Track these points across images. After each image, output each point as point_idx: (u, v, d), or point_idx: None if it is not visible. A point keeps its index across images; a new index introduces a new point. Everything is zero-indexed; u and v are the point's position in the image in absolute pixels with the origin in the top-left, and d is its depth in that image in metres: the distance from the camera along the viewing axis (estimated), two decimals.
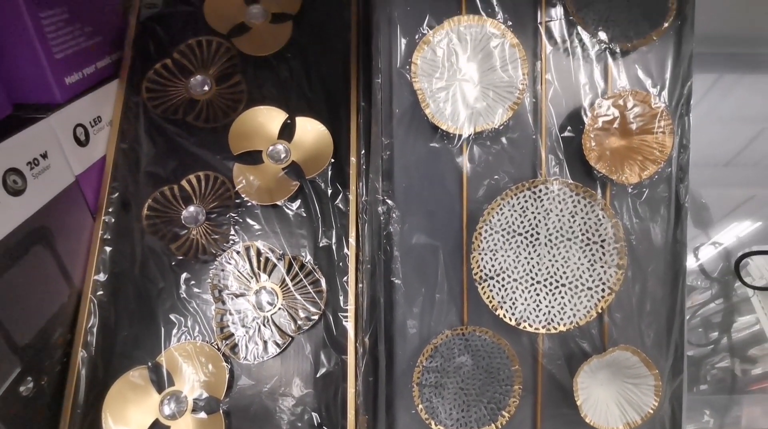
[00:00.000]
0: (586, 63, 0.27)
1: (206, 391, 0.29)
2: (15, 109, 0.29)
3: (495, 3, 0.26)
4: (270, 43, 0.36)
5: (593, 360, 0.28)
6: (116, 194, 0.33)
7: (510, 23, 0.26)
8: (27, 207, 0.27)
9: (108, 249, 0.32)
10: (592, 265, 0.28)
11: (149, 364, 0.30)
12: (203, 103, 0.35)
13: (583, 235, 0.28)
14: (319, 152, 0.34)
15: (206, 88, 0.35)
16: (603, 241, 0.27)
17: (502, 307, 0.28)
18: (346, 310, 0.31)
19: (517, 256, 0.28)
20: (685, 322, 0.29)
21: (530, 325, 0.27)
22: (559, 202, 0.27)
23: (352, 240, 0.32)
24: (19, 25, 0.28)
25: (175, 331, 0.31)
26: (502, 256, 0.28)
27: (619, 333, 0.28)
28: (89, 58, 0.34)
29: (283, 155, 0.34)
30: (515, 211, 0.27)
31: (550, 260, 0.28)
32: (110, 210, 0.33)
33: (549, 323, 0.27)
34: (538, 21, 0.27)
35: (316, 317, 0.31)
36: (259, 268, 0.32)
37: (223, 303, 0.31)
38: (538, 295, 0.28)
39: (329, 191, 0.33)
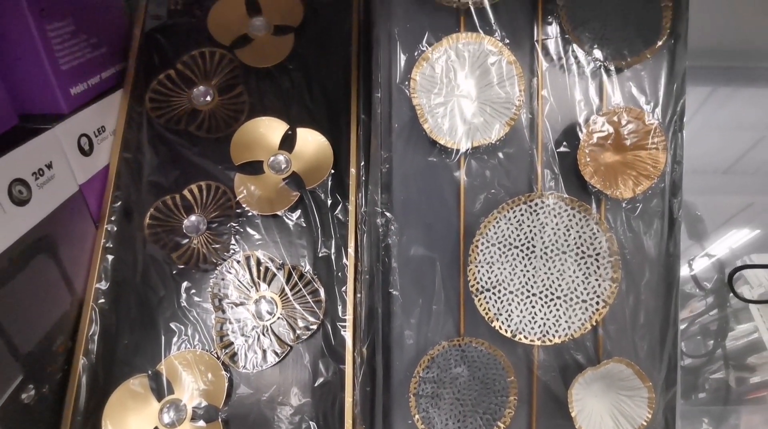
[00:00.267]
0: (581, 80, 0.28)
1: (205, 400, 0.30)
2: (21, 120, 0.29)
3: (493, 21, 0.27)
4: (272, 55, 0.37)
5: (588, 372, 0.28)
6: (119, 203, 0.34)
7: (507, 41, 0.27)
8: (32, 217, 0.27)
9: (110, 257, 0.33)
10: (586, 278, 0.28)
11: (149, 372, 0.30)
12: (206, 113, 0.36)
13: (577, 248, 0.28)
14: (320, 163, 0.34)
15: (209, 98, 0.36)
16: (597, 254, 0.28)
17: (498, 319, 0.28)
18: (344, 320, 0.31)
19: (513, 269, 0.28)
20: (678, 334, 0.30)
21: (526, 337, 0.28)
22: (555, 216, 0.28)
23: (351, 250, 0.32)
24: (26, 38, 0.29)
25: (175, 339, 0.31)
26: (499, 268, 0.28)
27: (613, 345, 0.29)
28: (94, 69, 0.34)
29: (283, 166, 0.34)
30: (511, 224, 0.28)
31: (545, 273, 0.28)
32: (113, 218, 0.33)
33: (544, 335, 0.28)
34: (535, 39, 0.28)
35: (314, 327, 0.31)
36: (259, 278, 0.32)
37: (223, 312, 0.32)
38: (533, 307, 0.28)
39: (329, 202, 0.34)
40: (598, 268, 0.28)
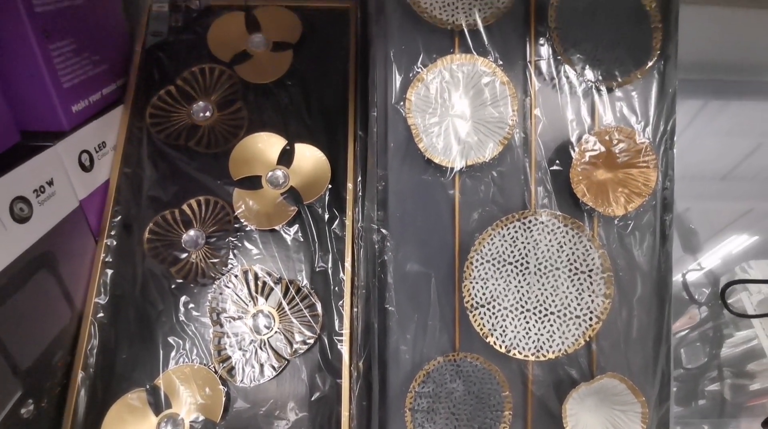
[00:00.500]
0: (573, 100, 0.28)
1: (203, 414, 0.30)
2: (23, 137, 0.30)
3: (486, 42, 0.28)
4: (271, 71, 0.37)
5: (581, 387, 0.28)
6: (118, 218, 0.34)
7: (500, 62, 0.28)
8: (32, 233, 0.28)
9: (109, 272, 0.33)
10: (580, 294, 0.28)
11: (147, 386, 0.30)
12: (205, 128, 0.36)
13: (571, 264, 0.28)
14: (317, 178, 0.35)
15: (208, 114, 0.36)
16: (590, 270, 0.28)
17: (492, 335, 0.28)
18: (341, 334, 0.31)
19: (507, 285, 0.28)
20: (671, 349, 0.30)
21: (520, 353, 0.28)
22: (548, 233, 0.28)
23: (348, 265, 0.33)
24: (29, 58, 0.29)
25: (173, 353, 0.31)
26: (493, 284, 0.28)
27: (606, 360, 0.29)
28: (95, 86, 0.35)
29: (281, 181, 0.35)
30: (505, 241, 0.28)
31: (539, 289, 0.28)
32: (112, 233, 0.34)
33: (538, 350, 0.28)
34: (528, 60, 0.28)
35: (311, 341, 0.31)
36: (256, 292, 0.33)
37: (221, 326, 0.32)
38: (527, 322, 0.28)
39: (326, 216, 0.34)
40: (591, 284, 0.28)
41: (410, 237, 0.29)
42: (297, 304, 0.32)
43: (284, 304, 0.32)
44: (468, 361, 0.29)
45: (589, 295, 0.28)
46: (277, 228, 0.34)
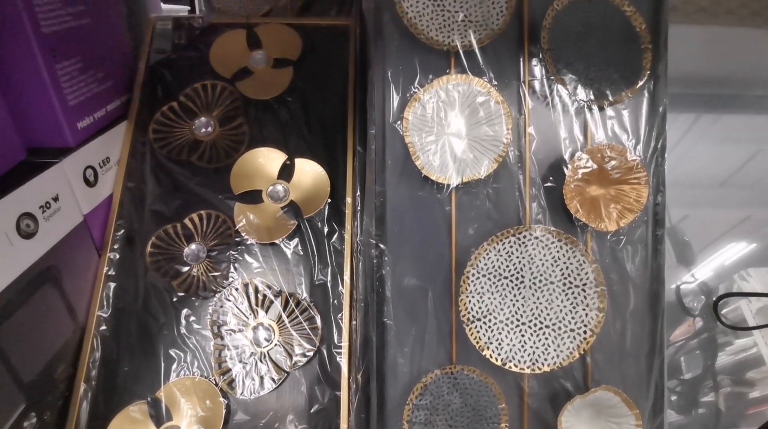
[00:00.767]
0: (566, 118, 0.29)
1: (203, 427, 0.30)
2: (29, 153, 0.31)
3: (481, 63, 0.29)
4: (271, 88, 0.38)
5: (576, 400, 0.29)
6: (121, 231, 0.35)
7: (495, 82, 0.29)
8: (38, 249, 0.28)
9: (112, 285, 0.33)
10: (574, 307, 0.29)
11: (148, 399, 0.31)
12: (207, 143, 0.37)
13: (565, 279, 0.29)
14: (317, 192, 0.36)
15: (210, 129, 0.37)
16: (584, 285, 0.29)
17: (488, 348, 0.29)
18: (340, 347, 0.32)
19: (503, 299, 0.29)
20: (665, 362, 0.30)
21: (515, 366, 0.29)
22: (543, 248, 0.29)
23: (347, 278, 0.33)
24: (36, 76, 0.30)
25: (174, 366, 0.32)
26: (489, 298, 0.29)
27: (601, 373, 0.29)
28: (100, 102, 0.35)
29: (282, 195, 0.35)
30: (501, 255, 0.29)
31: (534, 303, 0.29)
32: (115, 247, 0.34)
33: (534, 363, 0.29)
34: (522, 80, 0.29)
35: (311, 353, 0.32)
36: (257, 305, 0.33)
37: (222, 339, 0.32)
38: (523, 336, 0.29)
39: (326, 230, 0.35)
40: (585, 298, 0.29)
41: (408, 252, 0.29)
42: (297, 316, 0.33)
43: (284, 316, 0.33)
44: (465, 373, 0.29)
45: (583, 309, 0.29)
46: (277, 241, 0.34)
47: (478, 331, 0.29)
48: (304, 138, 0.37)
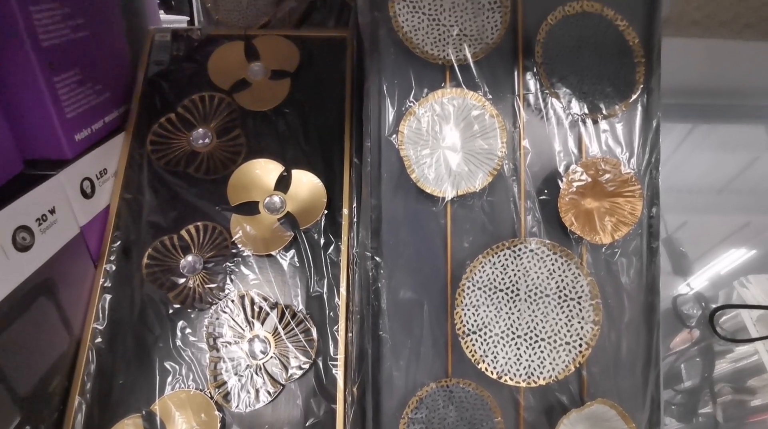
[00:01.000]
0: (560, 131, 0.29)
1: None
2: (26, 165, 0.31)
3: (476, 77, 0.29)
4: (269, 99, 0.38)
5: (572, 413, 0.29)
6: (118, 243, 0.35)
7: (490, 96, 0.29)
8: (34, 261, 0.28)
9: (108, 297, 0.33)
10: (569, 320, 0.29)
11: (143, 412, 0.31)
12: (204, 155, 0.37)
13: (560, 291, 0.29)
14: (313, 204, 0.36)
15: (207, 140, 0.37)
16: (579, 297, 0.29)
17: (484, 361, 0.29)
18: (336, 359, 0.32)
19: (498, 312, 0.29)
20: (660, 374, 0.30)
21: (511, 379, 0.29)
22: (538, 261, 0.29)
23: (343, 290, 0.33)
24: (34, 89, 0.30)
25: (169, 378, 0.32)
26: (484, 311, 0.29)
27: (596, 386, 0.29)
28: (98, 114, 0.36)
29: (278, 206, 0.36)
30: (496, 268, 0.29)
31: (529, 315, 0.29)
32: (112, 258, 0.34)
33: (529, 377, 0.29)
34: (516, 93, 0.29)
35: (307, 366, 0.32)
36: (253, 317, 0.33)
37: (218, 351, 0.32)
38: (518, 349, 0.29)
39: (322, 241, 0.35)
40: (581, 311, 0.29)
41: (403, 265, 0.29)
42: (293, 329, 0.33)
43: (280, 328, 0.33)
44: (460, 387, 0.29)
45: (579, 322, 0.29)
46: (273, 253, 0.34)
47: (473, 344, 0.29)
48: (302, 149, 0.37)
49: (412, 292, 0.29)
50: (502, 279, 0.29)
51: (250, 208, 0.36)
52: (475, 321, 0.29)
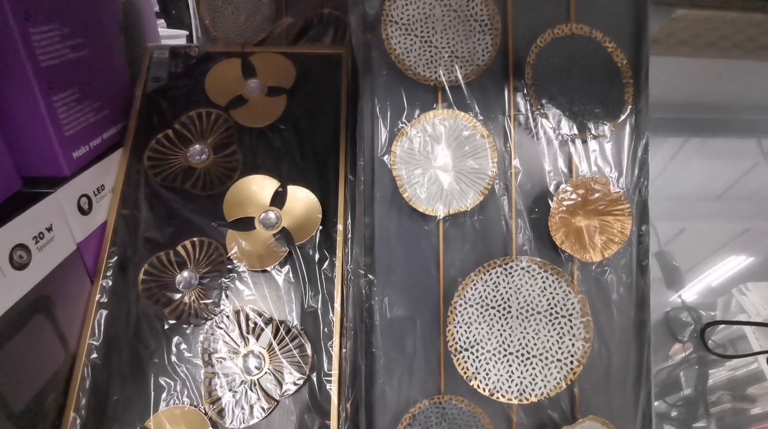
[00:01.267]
0: (550, 151, 0.30)
1: None
2: (24, 182, 0.31)
3: (467, 98, 0.29)
4: (265, 115, 0.39)
5: None
6: (115, 258, 0.35)
7: (481, 116, 0.29)
8: (30, 279, 0.29)
9: (104, 312, 0.34)
10: (560, 337, 0.29)
11: (138, 428, 0.31)
12: (200, 171, 0.37)
13: (551, 309, 0.29)
14: (309, 220, 0.36)
15: (204, 156, 0.38)
16: (570, 315, 0.29)
17: (476, 378, 0.29)
18: (330, 375, 0.32)
19: (490, 329, 0.29)
20: (651, 390, 0.31)
21: (503, 396, 0.29)
22: (529, 278, 0.29)
23: (337, 305, 0.34)
24: (32, 108, 0.31)
25: (164, 395, 0.32)
26: (476, 328, 0.29)
27: (588, 403, 0.30)
28: (96, 131, 0.36)
29: (274, 222, 0.36)
30: (488, 286, 0.29)
31: (521, 333, 0.29)
32: (108, 274, 0.35)
33: (521, 394, 0.29)
34: (507, 114, 0.30)
35: (301, 381, 0.32)
36: (248, 332, 0.33)
37: (212, 366, 0.33)
38: (510, 366, 0.29)
39: (317, 257, 0.35)
40: (572, 328, 0.29)
41: (396, 283, 0.30)
42: (287, 344, 0.33)
43: (275, 344, 0.33)
44: (453, 403, 0.29)
45: (570, 339, 0.29)
46: (268, 269, 0.35)
47: (465, 361, 0.29)
48: (297, 165, 0.38)
49: (405, 309, 0.30)
50: (494, 296, 0.29)
51: (245, 224, 0.36)
52: (468, 338, 0.29)
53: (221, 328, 0.33)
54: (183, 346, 0.33)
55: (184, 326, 0.33)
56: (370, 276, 0.30)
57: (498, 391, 0.29)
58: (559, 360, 0.29)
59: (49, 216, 0.31)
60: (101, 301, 0.34)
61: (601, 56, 0.30)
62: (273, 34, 0.45)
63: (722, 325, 0.46)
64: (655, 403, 0.30)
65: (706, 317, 0.46)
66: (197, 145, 0.38)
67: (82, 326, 0.33)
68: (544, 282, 0.29)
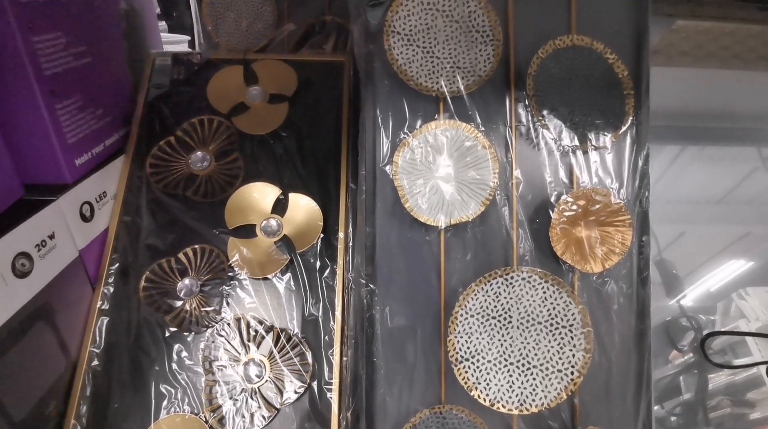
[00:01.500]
0: (551, 162, 0.30)
1: None
2: (26, 190, 0.31)
3: (469, 108, 0.29)
4: (267, 123, 0.39)
5: None
6: (116, 265, 0.35)
7: (482, 127, 0.29)
8: (32, 287, 0.29)
9: (105, 319, 0.34)
10: (561, 348, 0.29)
11: None
12: (202, 178, 0.38)
13: (552, 319, 0.29)
14: (310, 227, 0.36)
15: (206, 163, 0.38)
16: (571, 325, 0.29)
17: (476, 388, 0.29)
18: (331, 383, 0.32)
19: (490, 339, 0.29)
20: (652, 400, 0.31)
21: (504, 406, 0.29)
22: (530, 289, 0.29)
23: (338, 313, 0.34)
24: (35, 116, 0.31)
25: (165, 402, 0.32)
26: (477, 338, 0.29)
27: (588, 414, 0.30)
28: (99, 138, 0.36)
29: (275, 229, 0.36)
30: (489, 296, 0.29)
31: (522, 343, 0.29)
32: (109, 281, 0.35)
33: (522, 404, 0.29)
34: (508, 124, 0.30)
35: (302, 390, 0.32)
36: (248, 340, 0.33)
37: (213, 374, 0.33)
38: (511, 376, 0.29)
39: (318, 265, 0.35)
40: (572, 338, 0.29)
41: (397, 292, 0.30)
42: (288, 352, 0.33)
43: (275, 352, 0.33)
44: (453, 413, 0.29)
45: (570, 350, 0.29)
46: (269, 276, 0.35)
47: (466, 371, 0.29)
48: (298, 173, 0.38)
49: (406, 319, 0.30)
50: (495, 306, 0.29)
51: (247, 232, 0.36)
52: (468, 348, 0.29)
53: (222, 336, 0.33)
54: (184, 353, 0.33)
55: (185, 334, 0.34)
56: (371, 285, 0.30)
57: (498, 402, 0.29)
58: (559, 370, 0.29)
59: (52, 223, 0.31)
60: (102, 308, 0.34)
61: (602, 67, 0.30)
62: (275, 40, 0.45)
63: (724, 328, 0.46)
64: (655, 408, 0.30)
65: (706, 321, 0.46)
66: (199, 152, 0.38)
67: (83, 333, 0.33)
68: (544, 292, 0.29)
